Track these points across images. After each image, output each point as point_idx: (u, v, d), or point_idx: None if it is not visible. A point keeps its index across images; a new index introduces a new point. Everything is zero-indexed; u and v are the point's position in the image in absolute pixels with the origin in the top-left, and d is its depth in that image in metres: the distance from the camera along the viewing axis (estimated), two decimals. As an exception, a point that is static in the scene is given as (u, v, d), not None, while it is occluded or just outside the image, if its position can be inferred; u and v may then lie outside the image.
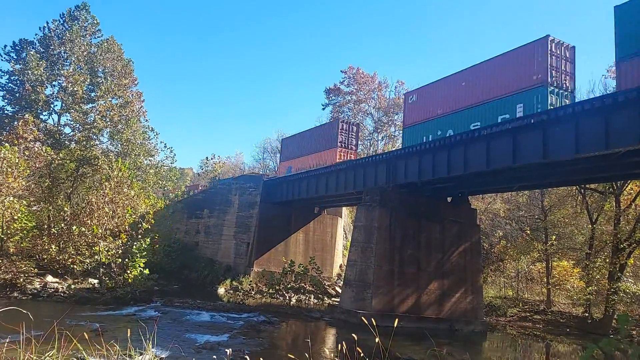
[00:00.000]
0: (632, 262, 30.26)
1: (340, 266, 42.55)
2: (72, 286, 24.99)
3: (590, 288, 30.65)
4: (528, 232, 38.68)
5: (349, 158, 32.11)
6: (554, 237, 35.71)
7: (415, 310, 26.31)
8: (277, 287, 36.12)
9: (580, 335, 28.69)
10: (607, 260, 30.83)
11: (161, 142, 59.04)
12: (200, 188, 57.75)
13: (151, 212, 29.55)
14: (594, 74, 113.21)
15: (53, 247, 27.86)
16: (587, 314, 31.04)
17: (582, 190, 33.45)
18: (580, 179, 25.65)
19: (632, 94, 16.22)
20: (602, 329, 28.23)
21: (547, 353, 24.73)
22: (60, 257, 27.83)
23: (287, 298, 34.94)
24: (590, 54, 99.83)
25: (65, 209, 29.44)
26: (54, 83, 39.46)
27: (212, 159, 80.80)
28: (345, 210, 46.39)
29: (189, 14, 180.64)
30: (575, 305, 34.00)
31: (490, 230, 44.04)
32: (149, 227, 27.62)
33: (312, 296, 36.35)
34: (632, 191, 30.83)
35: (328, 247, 42.63)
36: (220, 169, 78.46)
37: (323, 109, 66.05)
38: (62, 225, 28.85)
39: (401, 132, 49.67)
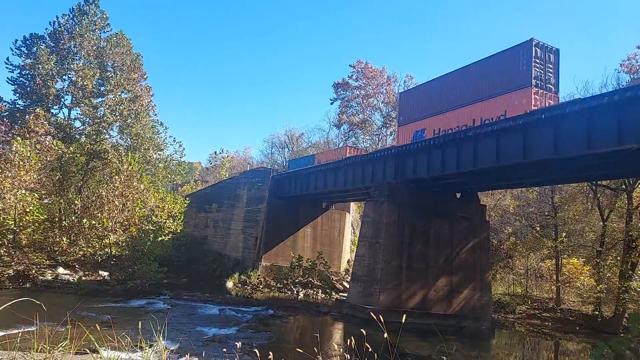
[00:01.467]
0: (644, 260, 29.89)
1: (348, 261, 42.60)
2: (83, 278, 25.31)
3: (600, 286, 30.38)
4: (538, 228, 38.38)
5: (547, 104, 20.55)
6: (564, 234, 35.40)
7: (423, 307, 26.27)
8: (285, 282, 36.29)
9: (589, 333, 28.47)
10: (619, 258, 30.53)
11: (170, 136, 59.49)
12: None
13: (160, 206, 29.80)
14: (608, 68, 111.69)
15: (64, 239, 28.23)
16: (597, 313, 30.79)
17: (594, 187, 33.09)
18: (591, 175, 25.32)
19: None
20: (613, 328, 27.99)
21: (556, 351, 24.60)
22: (71, 249, 28.20)
23: (295, 292, 35.08)
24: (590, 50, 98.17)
25: (76, 202, 29.77)
26: (64, 77, 39.77)
27: (220, 153, 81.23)
28: (353, 206, 46.39)
29: (198, 7, 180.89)
30: (585, 304, 33.72)
31: (500, 226, 43.77)
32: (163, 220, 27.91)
33: (320, 291, 36.48)
34: (645, 188, 30.43)
35: (336, 242, 42.70)
36: (229, 164, 78.81)
37: (331, 103, 65.99)
38: (73, 218, 29.21)
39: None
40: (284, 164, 65.30)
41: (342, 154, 35.35)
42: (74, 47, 39.90)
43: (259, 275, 37.34)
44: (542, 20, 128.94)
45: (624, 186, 30.31)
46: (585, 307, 33.21)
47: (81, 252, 28.21)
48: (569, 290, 36.11)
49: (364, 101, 62.63)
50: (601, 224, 32.31)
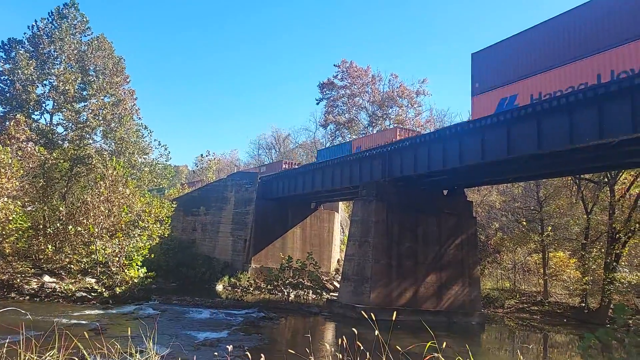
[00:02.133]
0: (627, 251, 30.55)
1: (338, 261, 42.66)
2: (70, 286, 24.91)
3: (586, 278, 30.93)
4: (524, 223, 38.92)
5: None
6: (549, 227, 35.97)
7: (414, 304, 26.46)
8: (276, 283, 36.16)
9: (577, 325, 28.96)
10: (603, 250, 31.11)
11: (155, 139, 58.61)
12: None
13: (147, 211, 29.46)
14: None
15: (49, 247, 27.73)
16: (583, 304, 31.33)
17: (577, 181, 33.67)
18: (575, 169, 25.76)
19: (625, 83, 16.24)
20: (599, 319, 28.51)
21: (545, 344, 24.96)
22: (57, 256, 27.72)
23: (286, 294, 34.99)
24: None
25: (61, 208, 29.27)
26: (44, 82, 39.04)
27: (206, 156, 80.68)
28: (341, 205, 46.49)
29: (180, 10, 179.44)
30: (571, 296, 34.32)
31: (487, 222, 44.29)
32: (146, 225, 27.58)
33: (311, 291, 36.45)
34: (626, 180, 31.07)
35: (325, 242, 42.73)
36: (216, 166, 78.32)
37: (317, 103, 66.01)
38: (58, 225, 28.70)
39: (396, 124, 45.94)
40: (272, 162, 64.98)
41: (392, 136, 29.44)
42: (54, 52, 39.20)
43: (248, 277, 37.18)
44: (536, 16, 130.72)
45: (606, 179, 30.90)
46: (572, 300, 33.80)
47: (67, 259, 27.72)
48: (556, 283, 36.73)
49: (350, 101, 62.77)
50: (585, 217, 32.89)
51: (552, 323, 29.93)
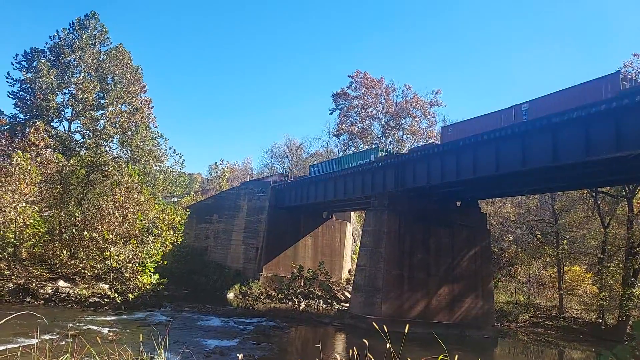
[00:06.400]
0: (646, 266, 29.74)
1: (349, 271, 42.41)
2: (83, 291, 25.18)
3: (603, 293, 30.21)
4: (539, 236, 38.27)
5: None
6: (565, 241, 35.29)
7: (426, 316, 26.12)
8: (287, 292, 36.08)
9: (593, 341, 28.25)
10: (621, 264, 30.40)
11: (170, 147, 59.24)
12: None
13: (160, 218, 29.73)
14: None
15: (64, 252, 28.10)
16: (600, 320, 30.57)
17: (594, 194, 33.06)
18: (591, 182, 25.32)
19: None
20: (616, 335, 27.78)
21: None
22: (72, 262, 28.06)
23: (297, 303, 34.87)
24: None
25: (77, 214, 29.69)
26: (64, 91, 39.96)
27: (220, 164, 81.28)
28: (353, 215, 46.31)
29: (198, 20, 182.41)
30: (588, 311, 33.50)
31: (501, 234, 43.65)
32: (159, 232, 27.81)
33: (322, 301, 36.25)
34: (645, 194, 30.41)
35: (337, 252, 42.55)
36: (229, 174, 78.81)
37: (330, 113, 66.13)
38: (74, 230, 29.09)
39: (409, 136, 46.46)
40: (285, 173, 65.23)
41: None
42: (74, 61, 40.15)
43: (260, 286, 37.15)
44: (539, 22, 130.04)
45: (624, 193, 30.30)
46: (589, 315, 32.99)
47: (81, 265, 28.05)
48: (571, 298, 35.92)
49: (363, 111, 62.76)
50: (602, 230, 32.22)
51: (567, 339, 29.24)
